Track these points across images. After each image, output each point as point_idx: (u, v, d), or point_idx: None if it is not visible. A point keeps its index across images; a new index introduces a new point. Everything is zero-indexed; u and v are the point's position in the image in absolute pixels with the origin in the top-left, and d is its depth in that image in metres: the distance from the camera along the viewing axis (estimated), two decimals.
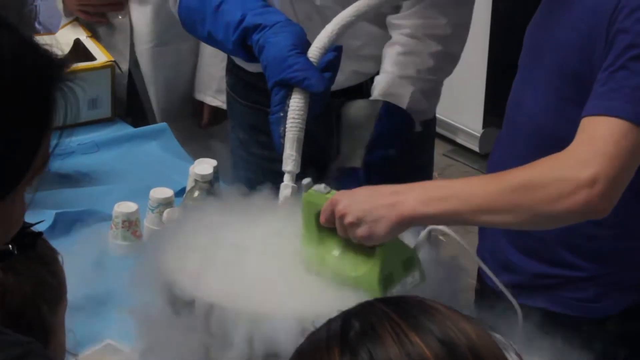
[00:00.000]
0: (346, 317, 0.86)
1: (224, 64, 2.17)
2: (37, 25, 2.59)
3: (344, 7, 1.62)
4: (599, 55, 1.39)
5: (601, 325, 1.57)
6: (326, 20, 1.62)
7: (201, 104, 2.35)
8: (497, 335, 0.87)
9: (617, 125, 1.35)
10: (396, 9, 1.83)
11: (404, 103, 1.78)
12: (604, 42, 1.39)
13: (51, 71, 0.92)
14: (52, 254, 1.31)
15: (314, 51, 1.56)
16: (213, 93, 2.33)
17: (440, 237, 1.51)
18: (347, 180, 1.65)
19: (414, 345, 0.83)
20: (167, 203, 1.87)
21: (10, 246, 1.07)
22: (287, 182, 1.52)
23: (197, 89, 2.37)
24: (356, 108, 1.81)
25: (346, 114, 1.81)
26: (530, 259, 1.58)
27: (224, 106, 2.23)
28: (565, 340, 1.36)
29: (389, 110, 1.79)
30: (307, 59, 1.55)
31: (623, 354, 1.53)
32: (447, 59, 1.85)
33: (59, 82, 0.93)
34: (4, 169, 0.91)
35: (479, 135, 3.51)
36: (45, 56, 0.92)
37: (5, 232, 1.01)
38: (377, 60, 1.86)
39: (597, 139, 1.37)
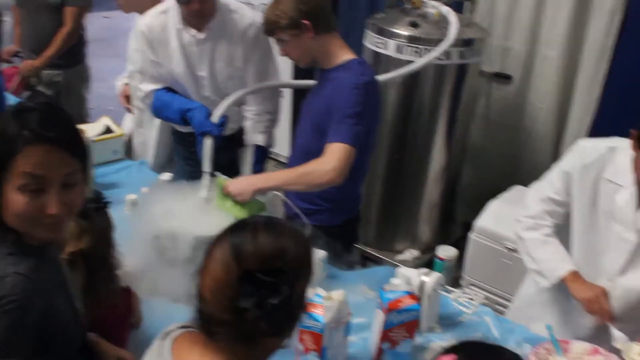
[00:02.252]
0: (238, 222, 1.40)
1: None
2: None
3: (222, 98, 2.80)
4: (331, 116, 2.42)
5: (330, 229, 2.65)
6: (216, 103, 2.80)
7: None
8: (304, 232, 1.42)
9: (341, 145, 2.38)
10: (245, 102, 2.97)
11: (262, 143, 3.01)
12: (332, 112, 2.42)
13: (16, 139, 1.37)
14: (108, 215, 1.94)
15: (214, 118, 2.73)
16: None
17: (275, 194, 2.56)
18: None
19: (261, 234, 1.32)
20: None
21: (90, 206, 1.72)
22: (205, 177, 2.59)
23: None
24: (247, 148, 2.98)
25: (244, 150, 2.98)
26: (303, 202, 2.63)
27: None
28: (319, 234, 2.55)
29: (257, 147, 2.98)
30: (212, 122, 2.72)
31: (339, 242, 2.63)
32: (273, 122, 3.03)
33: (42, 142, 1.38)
34: None
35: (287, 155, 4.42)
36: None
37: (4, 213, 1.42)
38: (237, 122, 3.03)
39: (333, 151, 2.38)
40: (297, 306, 1.34)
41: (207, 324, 1.33)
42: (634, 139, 2.08)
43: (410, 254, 4.06)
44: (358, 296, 2.39)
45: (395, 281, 2.26)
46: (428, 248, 4.08)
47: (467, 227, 3.77)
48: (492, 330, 2.35)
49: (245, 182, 2.46)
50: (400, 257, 4.06)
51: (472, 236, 3.66)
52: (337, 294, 2.03)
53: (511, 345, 2.24)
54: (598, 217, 2.28)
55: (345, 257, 2.61)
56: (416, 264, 3.96)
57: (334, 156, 2.40)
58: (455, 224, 4.40)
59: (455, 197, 4.32)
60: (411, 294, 2.15)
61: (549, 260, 2.38)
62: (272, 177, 2.57)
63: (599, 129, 3.79)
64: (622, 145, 2.21)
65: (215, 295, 1.29)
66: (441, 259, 3.01)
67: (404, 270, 2.31)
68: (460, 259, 3.44)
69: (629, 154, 2.16)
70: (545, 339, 2.24)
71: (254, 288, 1.25)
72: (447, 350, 1.25)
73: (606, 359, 2.19)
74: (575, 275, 2.34)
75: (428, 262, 3.81)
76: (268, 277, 1.26)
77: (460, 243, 3.70)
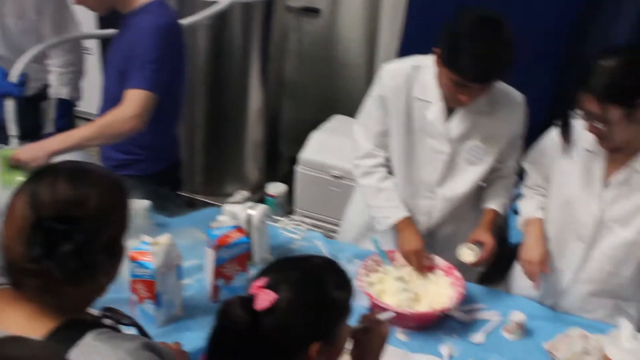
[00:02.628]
0: (41, 169, 1.35)
1: None
2: None
3: (18, 56, 2.64)
4: (132, 62, 2.36)
5: (152, 177, 2.62)
6: (12, 62, 2.65)
7: None
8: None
9: (139, 91, 2.33)
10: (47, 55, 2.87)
11: (66, 96, 2.94)
12: (133, 57, 2.34)
13: None
14: None
15: (12, 78, 2.57)
16: None
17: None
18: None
19: (60, 182, 1.27)
20: None
21: None
22: (13, 142, 2.51)
23: None
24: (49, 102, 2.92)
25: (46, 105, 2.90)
26: (120, 153, 2.59)
27: None
28: (142, 183, 2.44)
29: (60, 101, 2.91)
30: (10, 82, 2.57)
31: (163, 189, 2.60)
32: (77, 74, 2.96)
33: None
34: None
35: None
36: None
37: None
38: (40, 80, 2.93)
39: (132, 98, 2.33)
40: (102, 255, 1.28)
41: (14, 275, 1.27)
42: (437, 55, 2.15)
43: (241, 195, 4.04)
44: (188, 240, 2.38)
45: (221, 218, 2.26)
46: (258, 187, 4.10)
47: (293, 161, 3.83)
48: (322, 252, 2.41)
49: (38, 147, 2.30)
50: (231, 200, 4.05)
51: (299, 169, 3.72)
52: (164, 238, 2.01)
53: (342, 262, 2.30)
54: (413, 135, 2.37)
55: (171, 203, 2.58)
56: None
57: (132, 103, 2.33)
58: (281, 160, 4.46)
59: (278, 133, 4.37)
60: (238, 228, 2.17)
61: (382, 208, 2.44)
62: (69, 136, 2.40)
63: (406, 51, 3.90)
64: (425, 63, 2.28)
65: (16, 244, 1.24)
66: (272, 196, 3.07)
67: (229, 207, 2.32)
68: (290, 193, 3.53)
69: (433, 71, 2.23)
70: (373, 253, 2.34)
71: (45, 236, 1.21)
72: (259, 274, 1.27)
73: (429, 259, 2.35)
74: (405, 223, 2.40)
75: (259, 201, 3.84)
76: (60, 225, 1.21)
77: (288, 178, 3.77)
